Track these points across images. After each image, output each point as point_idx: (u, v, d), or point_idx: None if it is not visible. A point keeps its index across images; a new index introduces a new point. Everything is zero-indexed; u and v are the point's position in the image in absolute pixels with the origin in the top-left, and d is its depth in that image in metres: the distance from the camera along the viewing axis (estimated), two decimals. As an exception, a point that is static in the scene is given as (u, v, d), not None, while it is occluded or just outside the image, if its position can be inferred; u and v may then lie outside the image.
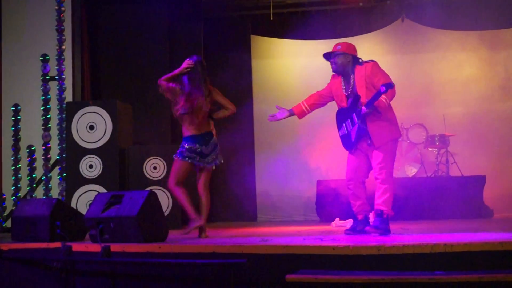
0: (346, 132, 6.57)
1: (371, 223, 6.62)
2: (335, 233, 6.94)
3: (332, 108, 11.56)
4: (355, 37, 11.78)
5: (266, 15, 11.45)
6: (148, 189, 8.54)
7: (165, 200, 8.82)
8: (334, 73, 6.67)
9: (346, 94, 6.54)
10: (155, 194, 6.27)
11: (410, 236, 6.05)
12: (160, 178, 8.96)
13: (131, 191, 7.24)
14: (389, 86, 6.23)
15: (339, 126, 6.66)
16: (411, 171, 11.03)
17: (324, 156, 11.32)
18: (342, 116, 6.63)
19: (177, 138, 10.51)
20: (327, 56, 6.68)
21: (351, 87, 6.51)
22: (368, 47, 11.31)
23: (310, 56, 12.10)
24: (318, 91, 6.78)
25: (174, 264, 5.49)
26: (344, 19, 11.70)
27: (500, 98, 11.59)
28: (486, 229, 6.70)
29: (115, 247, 5.75)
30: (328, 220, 9.32)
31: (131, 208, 6.04)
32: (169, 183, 6.97)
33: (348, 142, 6.58)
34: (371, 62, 6.55)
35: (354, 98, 6.47)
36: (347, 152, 6.66)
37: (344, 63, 6.54)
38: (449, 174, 10.76)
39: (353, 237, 6.24)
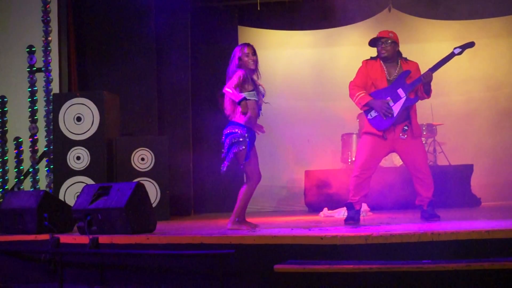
0: None
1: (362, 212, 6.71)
2: (323, 223, 6.96)
3: (321, 98, 11.66)
4: (341, 28, 11.80)
5: (253, 5, 11.41)
6: (136, 180, 8.51)
7: (153, 192, 8.81)
8: (379, 58, 6.64)
9: (389, 79, 6.55)
10: (143, 185, 6.27)
11: (397, 225, 6.07)
12: (148, 169, 8.94)
13: (118, 182, 7.23)
14: (470, 45, 6.44)
15: (371, 108, 6.53)
16: (399, 160, 11.04)
17: (312, 147, 11.35)
18: (378, 97, 6.54)
19: (164, 129, 10.54)
20: (373, 41, 6.69)
21: (396, 74, 6.56)
22: (355, 37, 11.34)
23: (297, 47, 12.11)
24: (358, 85, 6.63)
25: (162, 255, 5.49)
26: (331, 10, 11.66)
27: (487, 87, 11.63)
28: (473, 218, 6.74)
29: (103, 239, 5.75)
30: (316, 210, 9.34)
31: (119, 200, 6.04)
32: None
33: (385, 120, 6.44)
34: (416, 63, 6.70)
35: (403, 73, 6.50)
36: (371, 138, 6.54)
37: (394, 51, 6.62)
38: (436, 163, 10.80)
39: (340, 227, 6.26)
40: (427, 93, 6.55)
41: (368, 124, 6.59)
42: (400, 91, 6.44)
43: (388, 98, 6.47)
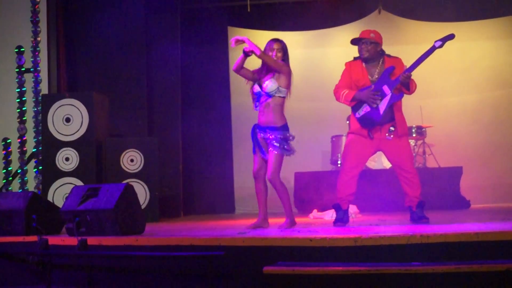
0: (370, 109, 6.42)
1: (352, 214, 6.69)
2: (313, 225, 6.96)
3: (310, 99, 11.66)
4: (332, 29, 11.82)
5: (243, 6, 11.42)
6: (125, 181, 8.49)
7: (142, 193, 8.78)
8: (360, 59, 6.59)
9: (371, 79, 6.51)
10: (132, 187, 6.25)
11: (386, 227, 6.07)
12: (137, 170, 8.92)
13: (107, 184, 7.20)
14: (450, 37, 6.39)
15: (359, 106, 6.49)
16: (388, 162, 11.05)
17: (301, 148, 11.33)
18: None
19: (154, 130, 10.52)
20: (355, 41, 6.64)
21: (377, 74, 6.51)
22: (345, 38, 11.28)
23: (288, 47, 12.09)
24: (341, 87, 6.61)
25: (151, 257, 5.47)
26: (321, 11, 11.69)
27: (476, 90, 11.68)
28: (462, 220, 6.75)
29: (92, 240, 5.72)
30: (306, 212, 9.35)
31: (108, 201, 6.01)
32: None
33: (372, 118, 6.42)
34: (399, 58, 6.63)
35: (387, 70, 6.43)
36: (356, 139, 6.53)
37: (375, 52, 6.54)
38: (426, 166, 10.82)
39: (329, 229, 6.26)
40: (408, 89, 6.50)
41: (354, 124, 6.58)
42: (386, 88, 6.40)
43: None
